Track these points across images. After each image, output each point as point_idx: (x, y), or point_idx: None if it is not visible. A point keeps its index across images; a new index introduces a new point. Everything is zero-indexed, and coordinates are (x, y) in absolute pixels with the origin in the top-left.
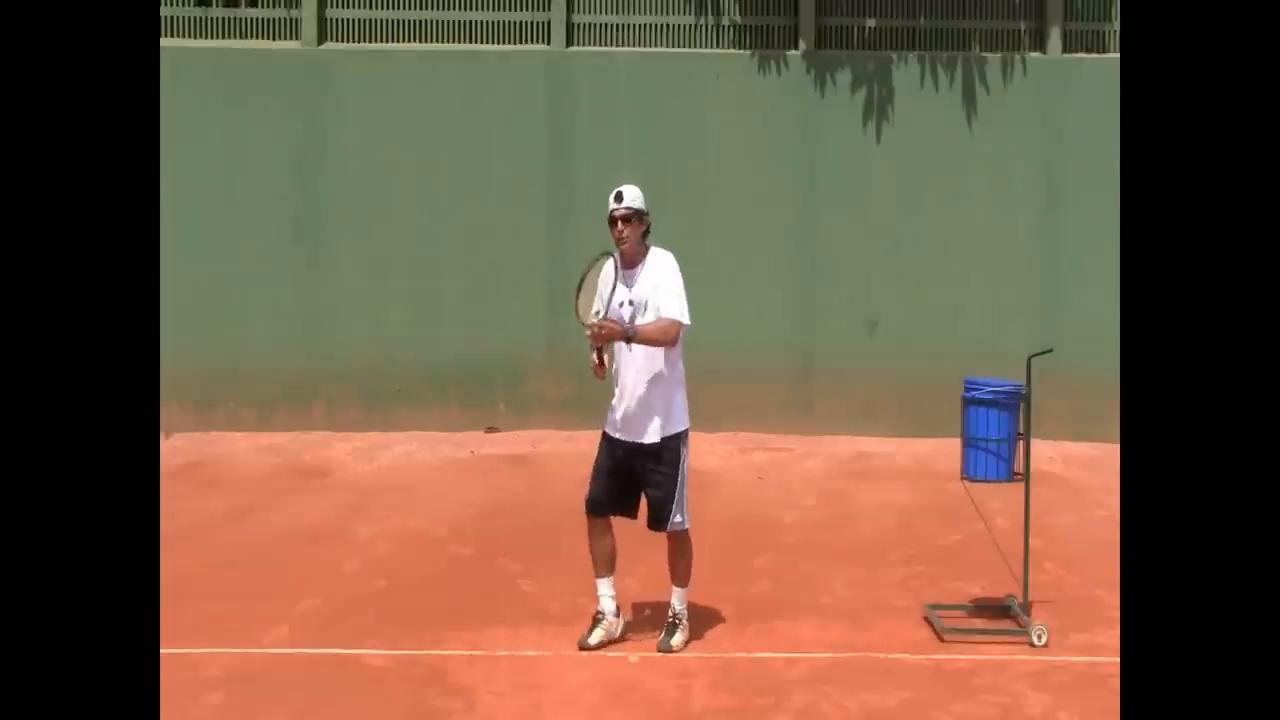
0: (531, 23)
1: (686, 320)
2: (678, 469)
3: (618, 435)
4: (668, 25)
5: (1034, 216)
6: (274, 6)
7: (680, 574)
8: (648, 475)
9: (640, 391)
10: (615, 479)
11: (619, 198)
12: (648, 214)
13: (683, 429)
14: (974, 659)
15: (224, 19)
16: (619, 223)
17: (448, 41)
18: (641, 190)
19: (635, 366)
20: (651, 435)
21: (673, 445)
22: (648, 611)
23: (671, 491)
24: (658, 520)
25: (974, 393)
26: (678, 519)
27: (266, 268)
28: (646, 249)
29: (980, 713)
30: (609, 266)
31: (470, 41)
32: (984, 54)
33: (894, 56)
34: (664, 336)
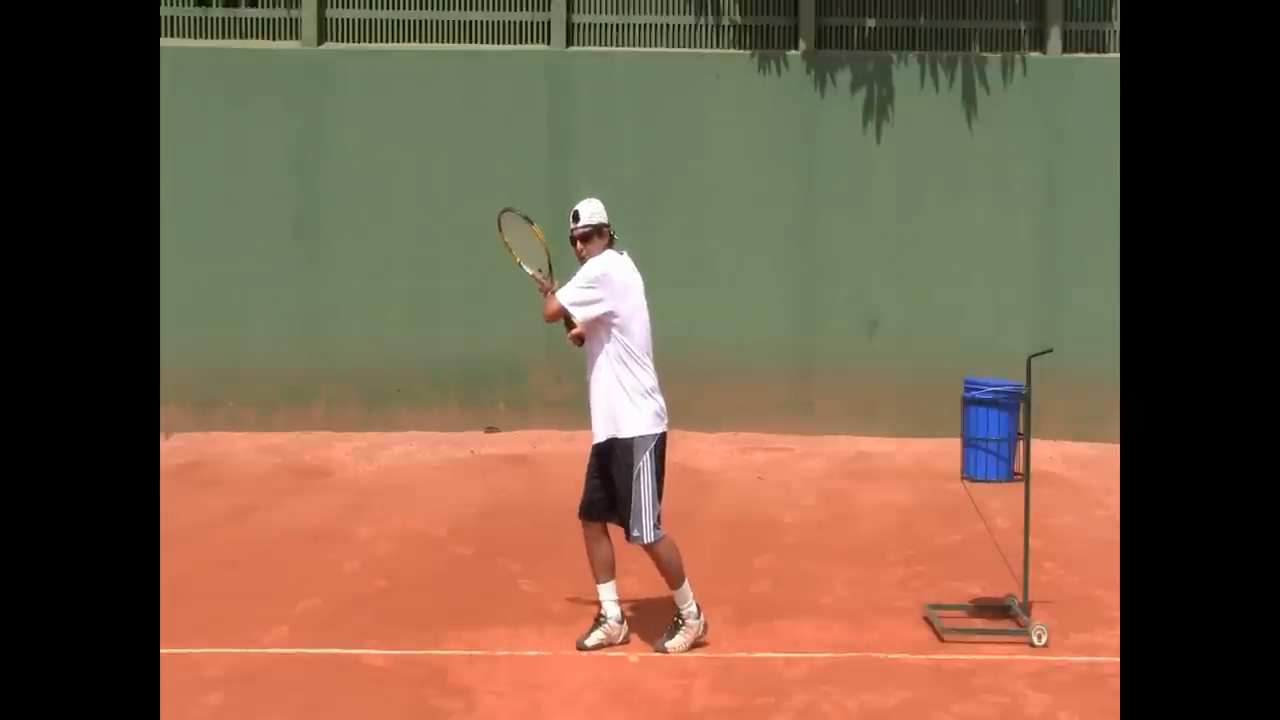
0: (531, 23)
1: (565, 302)
2: (631, 478)
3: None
4: (668, 25)
5: (1034, 216)
6: (274, 6)
7: (668, 580)
8: (610, 479)
9: (589, 390)
10: (593, 481)
11: (575, 217)
12: (608, 225)
13: (634, 435)
14: (974, 659)
15: (224, 19)
16: (577, 242)
17: (448, 41)
18: (603, 203)
19: (588, 365)
20: (598, 434)
21: (624, 451)
22: (649, 611)
23: (628, 502)
24: (624, 530)
25: (974, 393)
26: (635, 533)
27: (266, 268)
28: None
29: (980, 713)
30: (520, 223)
31: (470, 41)
32: (984, 54)
33: (894, 56)
34: (544, 308)
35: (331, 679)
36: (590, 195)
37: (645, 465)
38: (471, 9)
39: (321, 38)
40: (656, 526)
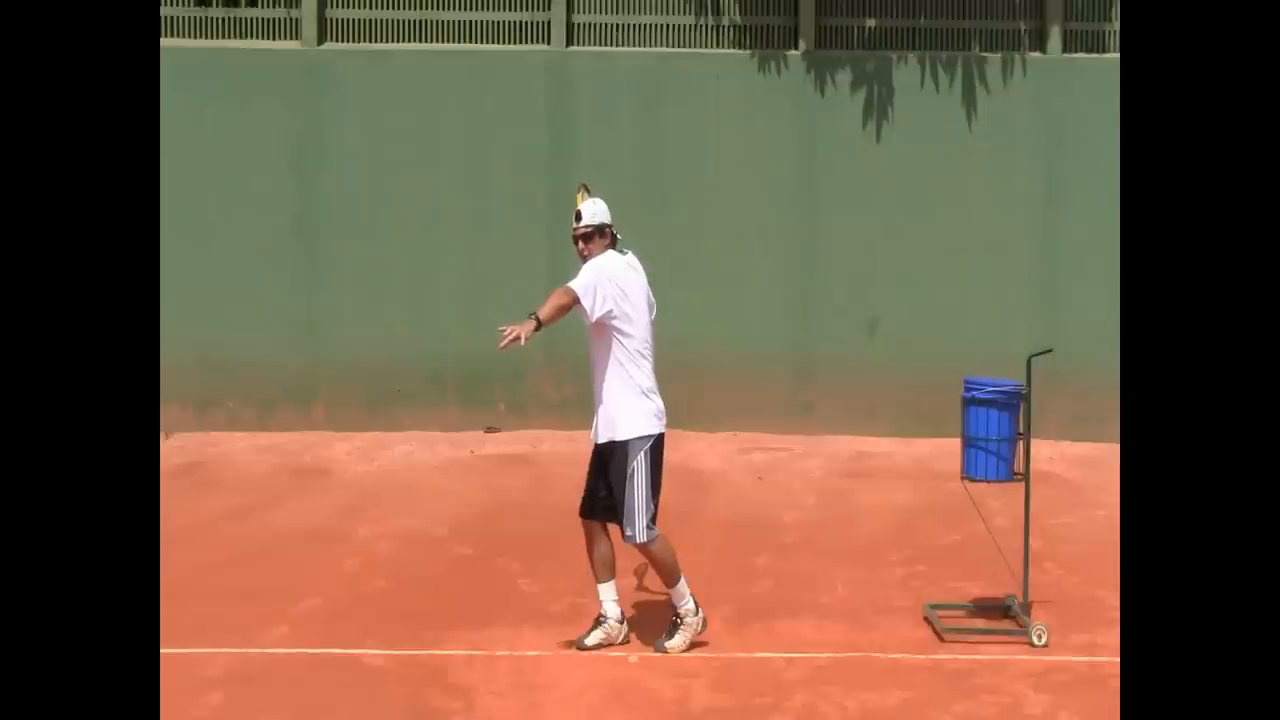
0: (531, 23)
1: (577, 290)
2: (625, 477)
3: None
4: (668, 25)
5: (1034, 216)
6: (274, 6)
7: (663, 579)
8: (606, 480)
9: (594, 390)
10: (593, 481)
11: (577, 217)
12: (610, 226)
13: (630, 437)
14: (974, 659)
15: (224, 19)
16: (579, 241)
17: (448, 41)
18: (606, 202)
19: (591, 366)
20: (597, 435)
21: (620, 452)
22: (649, 611)
23: (621, 502)
24: (620, 530)
25: (974, 393)
26: (628, 532)
27: (266, 268)
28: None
29: (980, 713)
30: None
31: (470, 41)
32: (984, 54)
33: (894, 56)
34: (553, 301)
35: (331, 679)
36: (592, 195)
37: (639, 466)
38: (471, 9)
39: (321, 38)
40: (650, 526)
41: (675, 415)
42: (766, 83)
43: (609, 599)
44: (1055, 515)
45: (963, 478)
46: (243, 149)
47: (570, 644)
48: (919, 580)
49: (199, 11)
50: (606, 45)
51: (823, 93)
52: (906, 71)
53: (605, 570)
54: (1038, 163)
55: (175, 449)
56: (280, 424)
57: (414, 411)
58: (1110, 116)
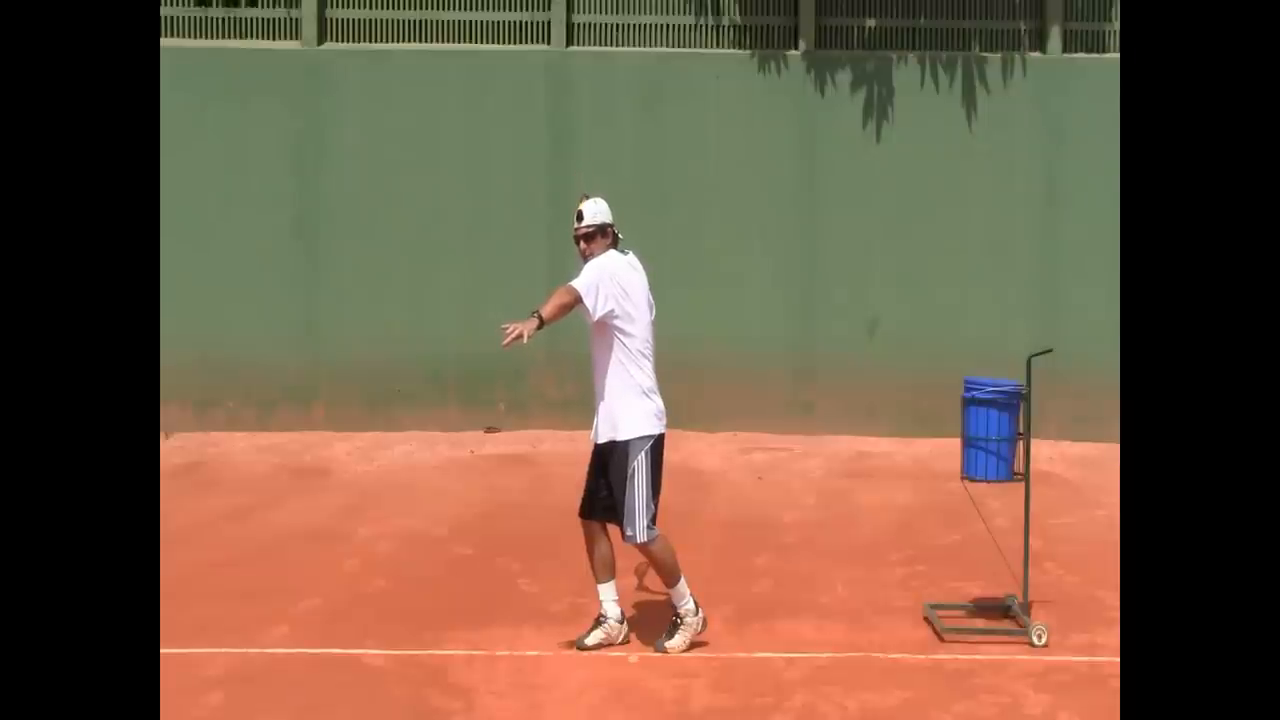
0: (531, 23)
1: (579, 289)
2: (626, 477)
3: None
4: (668, 25)
5: (1034, 216)
6: (274, 6)
7: (663, 578)
8: (606, 480)
9: (595, 390)
10: (593, 481)
11: (579, 217)
12: (611, 226)
13: (631, 437)
14: (974, 659)
15: (224, 19)
16: (581, 241)
17: (448, 41)
18: (608, 202)
19: (592, 366)
20: (597, 435)
21: (620, 452)
22: (649, 611)
23: (621, 502)
24: (620, 530)
25: (974, 392)
26: (629, 532)
27: (266, 268)
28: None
29: (980, 713)
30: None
31: (470, 41)
32: (984, 54)
33: (894, 56)
34: (555, 300)
35: (331, 679)
36: (593, 195)
37: (640, 466)
38: (471, 9)
39: (321, 38)
40: (650, 526)
41: (675, 415)
42: (766, 83)
43: (609, 599)
44: (1055, 515)
45: (963, 478)
46: (243, 149)
47: (570, 644)
48: (919, 580)
49: (199, 11)
50: (606, 45)
51: (823, 93)
52: (906, 71)
53: (605, 570)
54: (1038, 163)
55: (175, 449)
56: (280, 424)
57: (414, 411)
58: (1110, 116)
